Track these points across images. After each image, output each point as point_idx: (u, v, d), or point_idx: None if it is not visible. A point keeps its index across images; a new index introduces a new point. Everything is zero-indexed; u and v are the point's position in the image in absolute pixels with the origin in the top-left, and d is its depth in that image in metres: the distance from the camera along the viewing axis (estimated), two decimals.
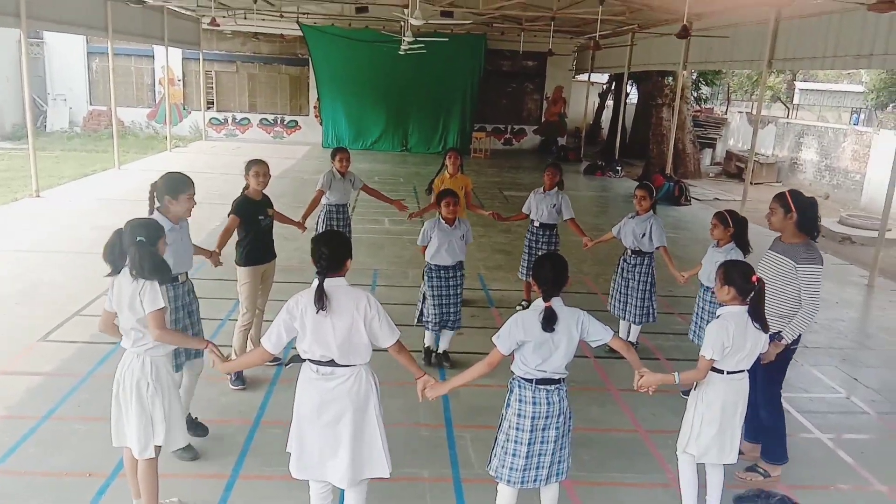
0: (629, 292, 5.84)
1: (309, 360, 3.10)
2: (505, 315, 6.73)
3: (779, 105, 33.21)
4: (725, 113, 27.11)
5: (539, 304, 3.14)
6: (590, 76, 22.19)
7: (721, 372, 3.46)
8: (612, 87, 27.89)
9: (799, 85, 35.18)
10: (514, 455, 3.22)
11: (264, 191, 5.23)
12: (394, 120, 21.58)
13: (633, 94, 25.77)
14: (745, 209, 12.55)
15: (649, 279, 5.80)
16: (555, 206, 6.58)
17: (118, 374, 3.36)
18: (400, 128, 21.78)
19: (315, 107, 22.05)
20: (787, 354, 4.08)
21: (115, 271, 3.25)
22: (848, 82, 38.66)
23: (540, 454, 3.22)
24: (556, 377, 3.19)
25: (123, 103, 20.49)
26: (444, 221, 5.42)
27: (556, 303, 3.14)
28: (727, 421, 3.50)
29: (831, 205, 16.50)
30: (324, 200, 6.67)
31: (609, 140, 23.11)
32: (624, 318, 5.94)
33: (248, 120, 22.36)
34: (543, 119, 23.56)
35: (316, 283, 3.00)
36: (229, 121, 22.26)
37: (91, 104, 21.76)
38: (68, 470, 3.91)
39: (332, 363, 3.05)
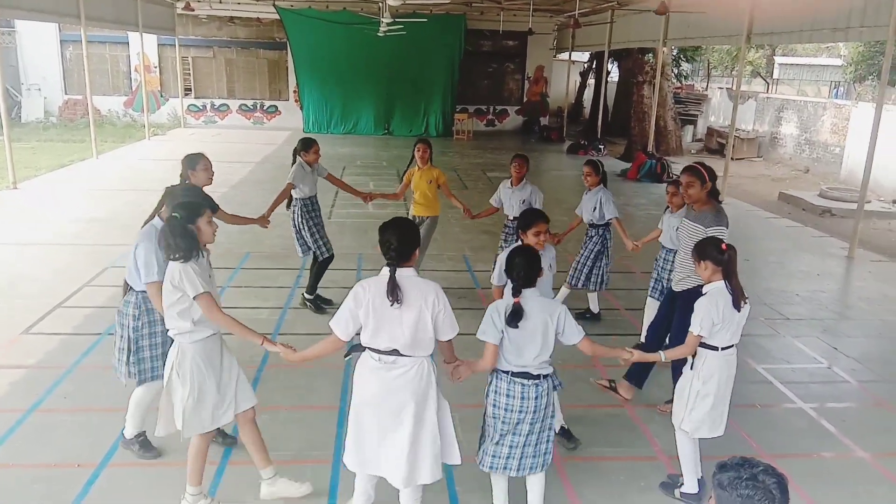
0: (581, 259, 6.15)
1: (371, 349, 3.06)
2: (490, 296, 6.78)
3: (759, 80, 33.33)
4: (706, 89, 27.16)
5: (510, 300, 3.17)
6: (570, 55, 22.13)
7: (715, 349, 3.54)
8: (594, 66, 27.83)
9: (778, 60, 35.29)
10: (493, 443, 3.28)
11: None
12: (375, 103, 21.40)
13: (614, 73, 25.73)
14: (727, 184, 12.65)
15: (597, 248, 6.09)
16: (524, 201, 6.20)
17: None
18: (381, 111, 21.61)
19: (295, 91, 21.82)
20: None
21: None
22: (827, 56, 38.85)
23: (511, 445, 3.26)
24: (535, 372, 3.20)
25: (99, 92, 20.16)
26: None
27: (531, 294, 3.18)
28: (721, 396, 3.59)
29: (811, 178, 16.65)
30: (297, 194, 6.19)
31: (591, 119, 23.11)
32: (570, 284, 6.22)
33: (227, 106, 22.10)
34: (525, 99, 23.50)
35: (387, 273, 2.97)
36: (208, 107, 21.99)
37: (66, 93, 21.38)
38: (56, 462, 3.89)
39: (395, 352, 3.02)
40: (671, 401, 4.35)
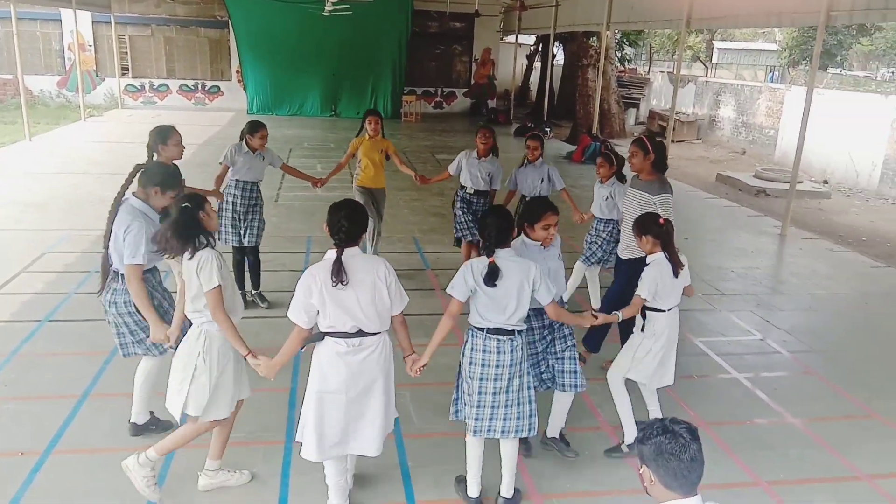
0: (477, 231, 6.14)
1: (334, 334, 3.06)
2: (441, 276, 6.87)
3: (699, 65, 34.16)
4: (648, 73, 27.73)
5: (485, 260, 3.24)
6: (517, 38, 22.25)
7: (662, 311, 3.84)
8: (540, 49, 28.06)
9: (717, 44, 36.22)
10: (475, 406, 3.31)
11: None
12: (321, 84, 21.08)
13: (560, 56, 26.00)
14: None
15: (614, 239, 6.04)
16: (490, 173, 6.32)
17: (181, 343, 3.38)
18: (328, 92, 21.30)
19: (237, 71, 21.32)
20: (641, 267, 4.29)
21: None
22: (763, 41, 40.05)
23: (494, 406, 3.30)
24: (509, 328, 3.28)
25: (31, 71, 19.29)
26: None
27: (505, 255, 3.26)
28: (668, 351, 3.93)
29: (748, 160, 17.26)
30: (231, 175, 5.80)
31: (538, 101, 23.34)
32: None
33: (167, 86, 21.45)
34: (473, 81, 23.53)
35: (333, 255, 2.99)
36: (146, 87, 21.30)
37: None
38: (0, 450, 3.81)
39: (359, 333, 3.06)
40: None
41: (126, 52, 20.87)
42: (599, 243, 5.83)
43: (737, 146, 18.82)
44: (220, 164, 5.80)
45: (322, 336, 3.10)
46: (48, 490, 3.51)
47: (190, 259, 3.17)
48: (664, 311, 3.85)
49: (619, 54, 24.83)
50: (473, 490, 3.46)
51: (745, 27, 16.43)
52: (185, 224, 3.14)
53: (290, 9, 19.71)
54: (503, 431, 3.33)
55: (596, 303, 5.91)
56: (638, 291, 3.83)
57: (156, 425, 4.01)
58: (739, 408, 4.71)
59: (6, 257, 6.93)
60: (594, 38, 19.42)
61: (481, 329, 3.30)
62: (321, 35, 19.96)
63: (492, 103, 23.25)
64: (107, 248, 3.66)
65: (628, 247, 4.73)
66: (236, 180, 5.82)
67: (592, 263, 5.96)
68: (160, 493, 3.44)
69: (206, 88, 21.74)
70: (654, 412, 4.03)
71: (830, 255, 8.60)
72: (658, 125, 20.72)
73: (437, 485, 3.67)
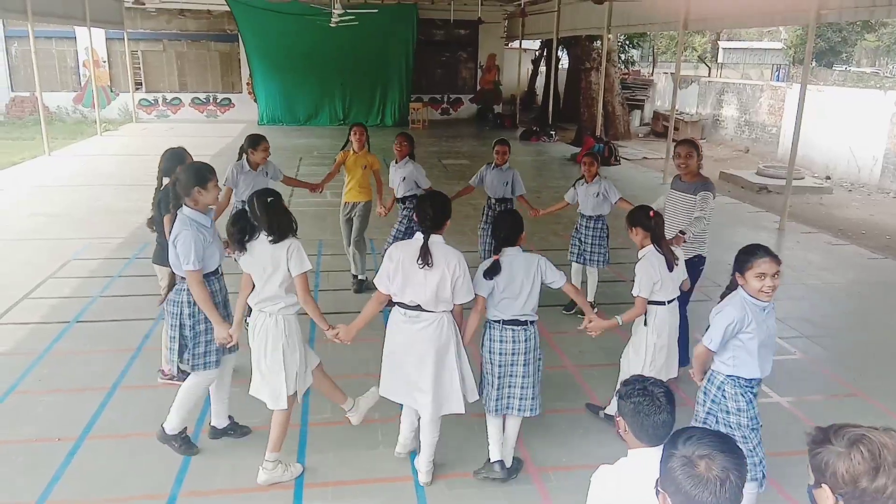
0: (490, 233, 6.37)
1: (399, 303, 3.48)
2: None
3: (704, 65, 34.32)
4: (652, 74, 27.93)
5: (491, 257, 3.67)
6: (521, 43, 22.56)
7: (662, 303, 4.02)
8: (544, 53, 28.36)
9: (722, 44, 36.34)
10: (495, 388, 3.68)
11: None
12: (329, 94, 21.51)
13: (564, 60, 26.29)
14: (670, 166, 13.24)
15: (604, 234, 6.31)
16: (507, 183, 6.54)
17: (253, 331, 3.59)
18: (337, 102, 21.73)
19: (248, 83, 21.78)
20: (696, 274, 4.67)
21: (246, 240, 3.51)
22: (769, 40, 40.14)
23: (510, 386, 3.68)
24: (523, 319, 3.62)
25: (48, 88, 19.78)
26: None
27: (511, 253, 3.61)
28: (672, 343, 4.12)
29: (751, 158, 17.44)
30: (234, 198, 5.61)
31: (543, 105, 23.62)
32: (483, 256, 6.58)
33: (180, 100, 21.95)
34: (479, 87, 23.87)
35: (421, 239, 3.40)
36: (160, 101, 21.80)
37: (13, 90, 20.94)
38: (37, 437, 4.13)
39: (418, 308, 3.45)
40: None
41: (139, 68, 21.38)
42: (591, 241, 6.09)
43: (740, 145, 19.00)
44: (224, 186, 5.37)
45: (392, 303, 3.53)
46: (85, 471, 3.83)
47: (276, 244, 3.45)
48: (664, 303, 4.01)
49: (622, 57, 25.08)
50: (495, 454, 3.81)
51: (740, 27, 16.65)
52: (280, 211, 3.46)
53: (297, 21, 20.15)
54: (519, 409, 3.71)
55: (591, 298, 6.16)
56: (635, 291, 3.97)
57: (234, 430, 4.14)
58: None
59: (33, 265, 7.30)
60: (597, 42, 19.69)
61: (497, 321, 3.64)
62: (329, 46, 20.39)
63: (497, 108, 23.56)
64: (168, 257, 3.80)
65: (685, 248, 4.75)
66: (241, 202, 5.46)
67: (598, 264, 6.19)
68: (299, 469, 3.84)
69: (218, 101, 22.21)
70: None
71: (828, 247, 8.81)
72: (662, 126, 20.92)
73: (441, 460, 3.94)
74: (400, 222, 6.48)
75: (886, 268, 8.05)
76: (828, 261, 8.15)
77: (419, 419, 3.76)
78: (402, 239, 6.51)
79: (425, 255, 3.35)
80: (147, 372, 4.97)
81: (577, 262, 6.27)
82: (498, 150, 6.58)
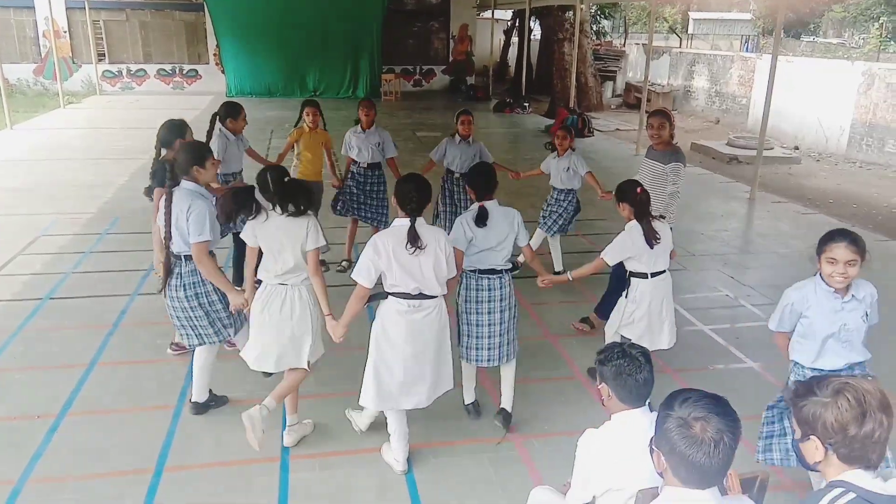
0: (455, 210, 6.31)
1: (397, 294, 3.36)
2: None
3: (675, 36, 34.39)
4: (624, 46, 27.94)
5: (475, 206, 3.73)
6: (493, 13, 22.36)
7: (645, 276, 4.06)
8: (517, 24, 28.15)
9: (692, 15, 36.42)
10: (475, 337, 3.81)
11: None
12: (300, 65, 21.14)
13: (536, 31, 26.13)
14: (642, 136, 13.34)
15: (574, 207, 6.27)
16: (475, 156, 6.23)
17: (268, 306, 3.52)
18: (307, 73, 21.39)
19: (215, 54, 21.30)
20: None
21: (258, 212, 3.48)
22: (738, 11, 40.29)
23: (490, 336, 3.80)
24: (498, 268, 3.75)
25: (7, 60, 19.08)
26: None
27: (491, 204, 3.72)
28: (654, 316, 4.12)
29: (722, 128, 17.63)
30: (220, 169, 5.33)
31: (516, 77, 23.53)
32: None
33: (145, 71, 21.41)
34: (451, 58, 23.66)
35: (403, 224, 3.29)
36: (124, 73, 21.25)
37: None
38: (17, 414, 4.08)
39: (420, 296, 3.36)
40: (584, 319, 5.21)
41: (102, 38, 20.77)
42: (560, 212, 6.14)
43: (711, 116, 19.19)
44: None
45: (385, 295, 3.41)
46: (67, 448, 3.79)
47: (296, 218, 3.44)
48: (646, 276, 4.05)
49: (594, 28, 25.02)
50: (469, 397, 4.05)
51: None
52: (299, 189, 3.49)
53: None
54: (507, 355, 3.89)
55: (559, 267, 6.26)
56: (602, 254, 4.08)
57: (215, 401, 4.15)
58: (704, 356, 5.08)
59: (1, 241, 7.13)
60: (570, 12, 19.59)
61: (473, 271, 3.75)
62: (298, 15, 20.01)
63: (470, 80, 23.41)
64: (168, 238, 3.69)
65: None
66: (223, 174, 5.39)
67: (555, 232, 6.25)
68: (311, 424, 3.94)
69: (184, 72, 21.72)
70: None
71: (797, 216, 9.00)
72: (634, 97, 21.01)
73: (425, 429, 3.99)
74: (371, 190, 6.47)
75: None
76: (797, 229, 8.33)
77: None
78: (374, 202, 6.50)
79: (415, 239, 3.26)
80: (127, 348, 4.93)
81: (539, 228, 6.28)
82: (463, 121, 6.24)
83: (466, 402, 4.10)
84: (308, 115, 6.28)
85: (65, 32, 20.52)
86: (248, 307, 3.72)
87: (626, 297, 4.15)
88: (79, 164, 10.94)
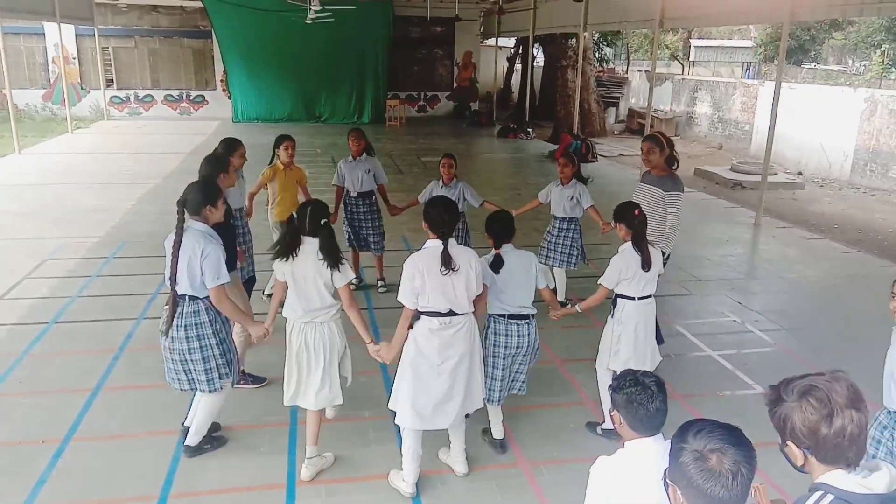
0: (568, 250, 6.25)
1: (428, 313, 3.44)
2: None
3: (677, 63, 34.70)
4: (626, 72, 28.19)
5: (492, 252, 3.80)
6: (497, 40, 22.62)
7: (632, 299, 4.04)
8: (520, 51, 28.45)
9: (694, 42, 36.78)
10: (493, 379, 3.88)
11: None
12: (305, 91, 21.34)
13: (539, 58, 26.40)
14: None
15: (466, 236, 6.21)
16: (458, 196, 6.04)
17: (302, 342, 3.59)
18: (312, 99, 21.58)
19: (222, 80, 21.54)
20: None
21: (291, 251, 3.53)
22: (739, 38, 40.71)
23: (513, 379, 3.96)
24: (524, 312, 3.81)
25: (16, 85, 19.37)
26: None
27: (508, 249, 3.78)
28: (640, 339, 4.08)
29: (725, 154, 17.71)
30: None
31: (520, 103, 23.71)
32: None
33: (152, 97, 21.63)
34: (455, 85, 23.88)
35: (436, 246, 3.40)
36: (132, 98, 21.47)
37: None
38: (21, 439, 4.05)
39: (451, 313, 3.44)
40: None
41: (110, 64, 21.02)
42: (570, 244, 6.03)
43: (714, 141, 19.28)
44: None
45: (418, 315, 3.49)
46: (71, 473, 3.76)
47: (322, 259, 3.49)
48: (633, 299, 4.02)
49: (597, 55, 25.27)
50: (499, 433, 4.08)
51: (716, 25, 16.91)
52: (331, 237, 3.53)
53: (272, 17, 19.94)
54: (519, 391, 4.01)
55: (562, 297, 6.14)
56: (600, 280, 4.07)
57: (210, 444, 4.00)
58: (711, 381, 5.05)
59: (7, 265, 7.15)
60: (573, 40, 19.81)
61: (501, 315, 3.81)
62: (304, 42, 20.22)
63: (474, 105, 23.59)
64: (173, 280, 3.58)
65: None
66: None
67: (574, 265, 6.15)
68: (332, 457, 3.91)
69: (191, 98, 21.93)
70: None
71: (802, 242, 8.99)
72: (637, 123, 21.14)
73: (432, 456, 3.96)
74: (366, 218, 6.45)
75: (859, 261, 8.24)
76: (803, 255, 8.32)
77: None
78: (371, 230, 6.48)
79: (448, 262, 3.34)
80: (132, 372, 4.91)
81: (543, 263, 6.05)
82: (444, 164, 6.09)
83: (496, 437, 4.07)
84: (286, 149, 5.94)
85: (74, 59, 20.79)
86: (269, 336, 3.73)
87: (612, 317, 4.14)
88: (86, 189, 11.01)
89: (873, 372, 4.83)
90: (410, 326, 3.52)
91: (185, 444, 3.92)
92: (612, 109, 23.65)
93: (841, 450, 1.66)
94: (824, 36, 31.96)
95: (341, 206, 6.51)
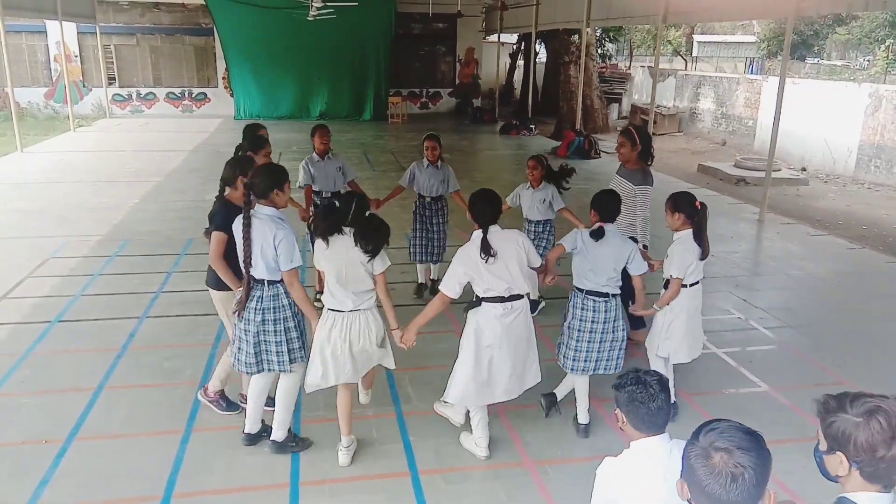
0: (431, 236, 6.29)
1: (490, 299, 3.62)
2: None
3: (680, 59, 34.60)
4: (629, 68, 28.09)
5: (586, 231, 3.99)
6: (499, 37, 22.55)
7: (684, 286, 4.15)
8: (522, 47, 28.36)
9: (697, 38, 36.68)
10: (572, 350, 4.05)
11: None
12: (307, 88, 21.32)
13: (542, 54, 26.32)
14: None
15: (446, 220, 6.32)
16: (444, 180, 6.17)
17: (344, 333, 3.59)
18: (315, 96, 21.55)
19: (224, 78, 21.52)
20: None
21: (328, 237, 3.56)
22: (742, 33, 40.60)
23: (588, 351, 4.03)
24: (605, 291, 3.96)
25: (18, 83, 19.31)
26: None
27: (609, 227, 3.97)
28: (692, 325, 4.24)
29: (728, 150, 17.64)
30: None
31: (522, 99, 23.65)
32: (423, 261, 6.41)
33: (154, 94, 21.61)
34: (457, 81, 23.82)
35: (480, 236, 3.57)
36: (133, 96, 21.45)
37: None
38: (23, 439, 4.04)
39: (511, 297, 3.63)
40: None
41: (112, 62, 21.00)
42: (545, 246, 5.82)
43: (717, 137, 19.20)
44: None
45: (479, 302, 3.67)
46: (74, 473, 3.75)
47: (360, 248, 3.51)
48: (686, 286, 4.13)
49: (600, 50, 25.21)
50: (584, 418, 4.21)
51: (720, 20, 16.83)
52: (377, 229, 3.56)
53: (274, 14, 19.91)
54: (595, 370, 4.09)
55: (535, 295, 5.97)
56: (672, 273, 4.09)
57: (296, 443, 3.99)
58: (717, 379, 5.02)
59: (10, 264, 7.14)
60: (575, 35, 19.73)
61: (581, 290, 4.00)
62: (306, 39, 20.20)
63: (476, 102, 23.54)
64: (247, 263, 3.62)
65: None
66: None
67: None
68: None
69: (193, 95, 21.91)
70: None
71: (807, 238, 8.95)
72: (640, 119, 21.07)
73: (437, 454, 3.94)
74: (422, 223, 6.30)
75: (864, 257, 8.20)
76: (808, 251, 8.27)
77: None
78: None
79: (487, 249, 3.51)
80: (135, 371, 4.90)
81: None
82: (427, 146, 6.07)
83: (580, 422, 4.21)
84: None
85: (76, 57, 20.77)
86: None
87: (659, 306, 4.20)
88: (88, 187, 11.00)
89: (878, 368, 4.80)
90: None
91: (271, 439, 3.92)
92: (615, 105, 23.57)
93: (890, 471, 1.72)
94: (828, 31, 31.86)
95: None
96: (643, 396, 2.24)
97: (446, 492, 3.66)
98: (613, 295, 4.00)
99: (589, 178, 12.23)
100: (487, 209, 3.65)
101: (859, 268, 7.77)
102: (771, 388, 4.89)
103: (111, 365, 4.97)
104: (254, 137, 5.19)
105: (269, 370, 3.83)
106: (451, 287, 3.61)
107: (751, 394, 4.84)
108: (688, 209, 4.07)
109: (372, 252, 3.51)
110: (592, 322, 3.98)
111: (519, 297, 3.68)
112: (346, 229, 3.56)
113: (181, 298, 6.24)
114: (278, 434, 3.91)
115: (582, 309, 4.00)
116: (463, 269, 3.59)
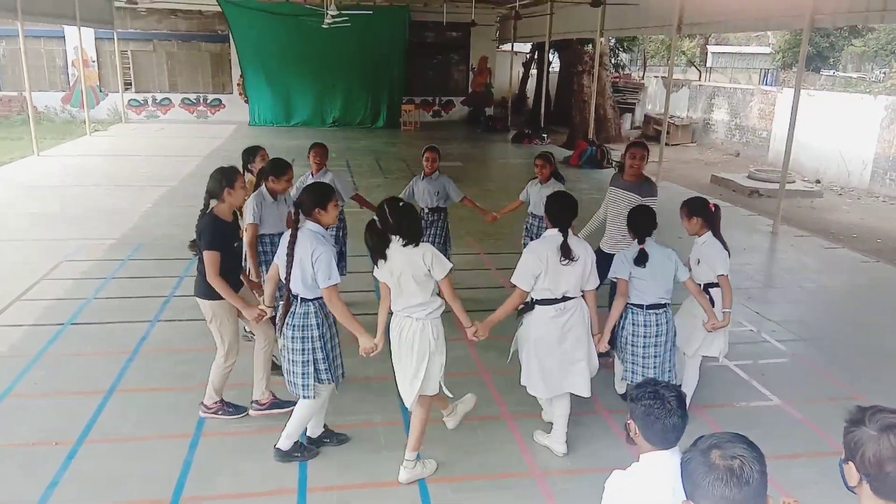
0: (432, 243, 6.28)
1: (543, 301, 3.80)
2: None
3: (694, 69, 34.53)
4: (642, 78, 28.05)
5: (635, 245, 4.07)
6: (513, 46, 22.59)
7: (717, 285, 4.32)
8: (535, 57, 28.38)
9: (711, 49, 36.60)
10: (631, 363, 4.19)
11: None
12: (322, 95, 21.42)
13: (555, 63, 26.33)
14: (662, 169, 13.33)
15: (444, 232, 6.34)
16: (438, 192, 6.23)
17: (400, 339, 3.61)
18: (329, 103, 21.65)
19: (239, 84, 21.67)
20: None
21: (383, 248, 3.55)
22: (757, 45, 40.47)
23: (644, 366, 4.15)
24: (661, 302, 4.09)
25: (35, 87, 19.51)
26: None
27: (651, 242, 4.08)
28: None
29: (742, 161, 17.55)
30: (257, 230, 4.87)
31: (534, 108, 23.65)
32: None
33: (170, 100, 21.79)
34: (470, 90, 23.86)
35: (556, 237, 3.75)
36: (149, 102, 21.63)
37: (0, 89, 20.73)
38: (35, 440, 4.06)
39: (564, 298, 3.80)
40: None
41: (129, 68, 21.22)
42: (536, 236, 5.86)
43: (731, 148, 19.12)
44: (251, 224, 4.79)
45: (532, 306, 3.84)
46: (84, 475, 3.77)
47: (411, 249, 3.50)
48: (700, 286, 4.29)
49: (613, 60, 25.19)
50: (561, 448, 4.17)
51: (734, 31, 16.78)
52: (412, 214, 3.61)
53: (289, 22, 20.09)
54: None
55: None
56: (720, 271, 4.24)
57: (300, 452, 3.96)
58: (730, 392, 4.98)
59: (25, 266, 7.21)
60: (589, 45, 19.74)
61: (639, 305, 4.09)
62: (321, 47, 20.32)
63: (489, 111, 23.57)
64: (287, 279, 3.66)
65: (617, 242, 5.13)
66: (261, 235, 4.88)
67: None
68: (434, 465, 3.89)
69: (208, 101, 22.07)
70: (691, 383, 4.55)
71: (821, 251, 8.87)
72: (653, 129, 21.01)
73: (445, 463, 3.93)
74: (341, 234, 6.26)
75: (879, 271, 8.12)
76: (822, 264, 8.21)
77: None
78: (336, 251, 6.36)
79: (568, 252, 3.68)
80: (145, 375, 4.92)
81: None
82: (427, 158, 6.19)
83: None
84: (262, 158, 5.45)
85: (93, 62, 21.00)
86: (377, 351, 3.66)
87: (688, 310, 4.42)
88: (103, 191, 11.10)
89: (893, 383, 4.74)
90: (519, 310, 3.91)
91: (276, 446, 3.90)
92: (628, 115, 23.52)
93: None
94: (843, 43, 31.69)
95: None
96: (660, 412, 2.19)
97: (454, 500, 3.64)
98: (666, 305, 4.14)
99: (601, 187, 12.20)
100: (567, 214, 3.81)
101: (874, 281, 7.69)
102: (783, 401, 4.84)
103: (122, 368, 5.00)
104: (278, 164, 4.94)
105: (292, 392, 3.81)
106: (525, 281, 3.77)
107: (763, 407, 4.79)
108: (703, 212, 4.26)
109: (412, 238, 3.50)
110: (656, 336, 4.13)
111: (571, 297, 3.83)
112: (395, 238, 3.55)
113: (193, 303, 6.14)
114: (284, 443, 3.90)
115: (645, 326, 4.11)
116: (536, 263, 3.72)
